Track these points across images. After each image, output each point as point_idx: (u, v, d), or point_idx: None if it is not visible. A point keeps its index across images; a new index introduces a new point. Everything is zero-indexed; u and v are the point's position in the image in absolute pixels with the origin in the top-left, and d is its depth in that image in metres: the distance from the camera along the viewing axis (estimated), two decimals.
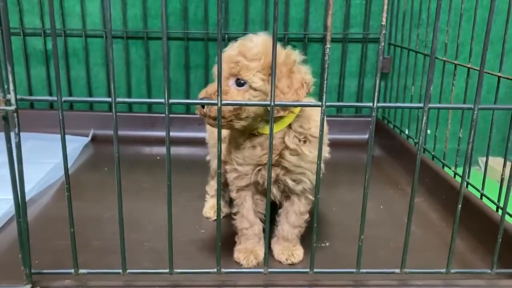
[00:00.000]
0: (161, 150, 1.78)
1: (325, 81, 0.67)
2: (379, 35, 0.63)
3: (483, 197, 1.18)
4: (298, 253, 1.01)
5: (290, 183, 0.96)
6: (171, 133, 0.71)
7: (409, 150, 1.61)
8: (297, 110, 0.91)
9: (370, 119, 0.69)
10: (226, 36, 1.88)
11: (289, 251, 1.01)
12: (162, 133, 1.80)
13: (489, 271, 0.84)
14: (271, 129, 0.71)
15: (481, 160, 1.97)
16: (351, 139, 1.91)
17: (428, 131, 1.82)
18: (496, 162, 1.84)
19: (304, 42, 1.92)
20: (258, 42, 0.89)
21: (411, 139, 1.71)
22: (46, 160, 1.54)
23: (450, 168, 1.39)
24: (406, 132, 1.77)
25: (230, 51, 0.89)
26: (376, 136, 1.78)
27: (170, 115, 0.68)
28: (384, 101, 1.98)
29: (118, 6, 1.88)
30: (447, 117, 1.44)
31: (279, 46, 0.89)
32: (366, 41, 1.94)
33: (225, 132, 1.00)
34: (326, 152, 1.03)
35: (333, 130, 1.87)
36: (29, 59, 1.94)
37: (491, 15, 0.70)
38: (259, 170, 0.94)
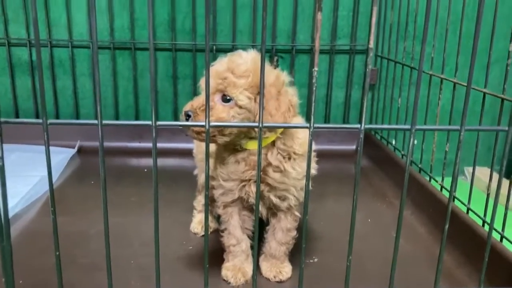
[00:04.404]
0: (149, 161, 1.77)
1: (313, 104, 0.67)
2: (366, 46, 0.64)
3: (470, 211, 1.19)
4: (286, 270, 1.01)
5: (275, 200, 0.95)
6: (158, 144, 0.70)
7: (396, 162, 1.62)
8: (280, 130, 0.92)
9: (358, 126, 0.69)
10: (214, 47, 1.88)
11: (277, 268, 1.01)
12: (149, 144, 1.79)
13: None
14: (259, 151, 0.71)
15: (467, 170, 1.99)
16: (339, 150, 1.92)
17: (415, 141, 1.83)
18: (482, 172, 1.86)
19: (292, 53, 1.93)
20: (248, 59, 0.88)
21: (398, 151, 1.72)
22: (31, 173, 1.52)
23: (437, 182, 1.40)
24: (393, 142, 1.78)
25: (219, 66, 0.89)
26: (364, 147, 1.78)
27: (157, 123, 0.67)
28: (371, 112, 1.98)
29: (105, 17, 1.86)
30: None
31: (268, 66, 0.89)
32: (353, 52, 1.95)
33: (212, 147, 0.99)
34: (313, 168, 1.03)
35: (321, 140, 1.90)
36: (14, 69, 1.91)
37: (476, 38, 0.71)
38: (243, 186, 0.93)
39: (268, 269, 1.01)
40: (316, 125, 0.69)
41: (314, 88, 0.67)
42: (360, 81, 2.00)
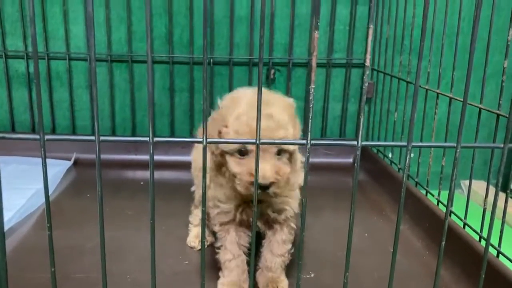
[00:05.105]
0: (145, 174, 1.76)
1: (310, 120, 0.67)
2: (362, 61, 0.64)
3: (466, 226, 1.19)
4: (283, 284, 1.00)
5: (273, 215, 0.96)
6: (155, 157, 0.69)
7: (393, 175, 1.62)
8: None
9: (355, 143, 0.69)
10: (212, 60, 1.88)
11: (274, 282, 1.00)
12: (145, 157, 1.78)
13: None
14: (257, 166, 0.71)
15: (464, 183, 1.99)
16: (335, 163, 1.92)
17: (412, 155, 1.83)
18: (478, 185, 1.86)
19: (288, 66, 1.93)
20: (280, 107, 0.87)
21: (395, 165, 1.72)
22: (27, 186, 1.51)
23: (433, 196, 1.40)
24: (390, 156, 1.79)
25: (269, 124, 0.83)
26: (360, 160, 1.79)
27: (154, 139, 0.67)
28: (367, 125, 1.99)
29: (102, 29, 1.87)
30: (430, 140, 1.46)
31: (278, 96, 0.92)
32: (350, 66, 1.96)
33: (209, 163, 0.99)
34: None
35: (318, 153, 1.90)
36: (11, 81, 1.91)
37: (472, 52, 0.71)
38: (243, 209, 0.94)
39: (265, 283, 1.00)
40: (313, 142, 0.69)
41: (311, 105, 0.67)
42: (356, 95, 2.00)
